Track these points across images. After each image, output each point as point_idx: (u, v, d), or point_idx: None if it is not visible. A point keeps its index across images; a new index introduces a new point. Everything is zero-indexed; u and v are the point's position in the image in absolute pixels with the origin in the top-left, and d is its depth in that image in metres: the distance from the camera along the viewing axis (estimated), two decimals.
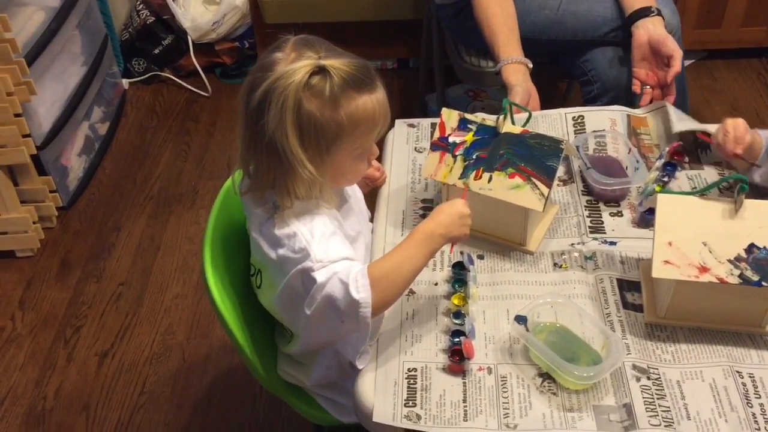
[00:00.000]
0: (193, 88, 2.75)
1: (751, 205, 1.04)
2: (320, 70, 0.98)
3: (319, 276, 0.99)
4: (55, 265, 2.09)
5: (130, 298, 2.00)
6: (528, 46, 1.60)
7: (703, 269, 1.01)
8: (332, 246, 1.03)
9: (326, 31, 2.92)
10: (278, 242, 1.03)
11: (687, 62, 2.82)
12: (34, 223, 2.09)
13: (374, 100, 1.02)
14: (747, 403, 0.97)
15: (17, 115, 1.93)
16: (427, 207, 1.29)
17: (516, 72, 1.54)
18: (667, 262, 1.02)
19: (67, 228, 2.21)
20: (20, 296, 2.01)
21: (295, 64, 0.98)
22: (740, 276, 0.99)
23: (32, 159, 2.03)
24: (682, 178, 1.32)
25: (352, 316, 0.99)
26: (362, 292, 0.97)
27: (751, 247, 1.01)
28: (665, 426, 0.94)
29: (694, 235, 1.04)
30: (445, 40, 2.07)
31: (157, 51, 2.75)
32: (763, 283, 0.99)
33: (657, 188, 1.26)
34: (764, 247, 1.01)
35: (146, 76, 2.78)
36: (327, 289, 0.98)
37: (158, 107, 2.71)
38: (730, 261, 1.01)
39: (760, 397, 0.98)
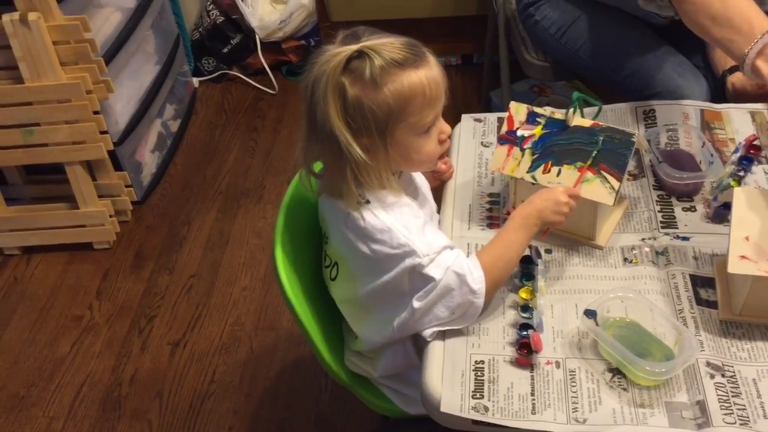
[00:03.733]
0: (260, 86, 2.81)
1: None
2: (359, 54, 0.98)
3: (434, 272, 1.02)
4: (130, 258, 2.17)
5: (201, 289, 2.05)
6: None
7: None
8: (430, 237, 1.05)
9: (390, 27, 2.94)
10: (369, 236, 1.04)
11: None
12: (110, 216, 2.18)
13: (421, 75, 1.00)
14: None
15: (96, 113, 2.01)
16: (494, 201, 1.29)
17: None
18: (743, 257, 1.00)
19: (141, 222, 2.29)
20: (97, 287, 2.09)
21: (334, 50, 0.99)
22: None
23: (109, 155, 2.11)
24: (759, 172, 1.28)
25: (465, 306, 1.03)
26: (479, 283, 1.03)
27: None
28: (740, 424, 0.92)
29: None
30: (511, 35, 2.06)
31: (226, 50, 2.82)
32: None
33: (732, 183, 1.23)
34: None
35: (215, 74, 2.85)
36: (444, 282, 1.02)
37: (227, 105, 2.78)
38: None
39: None
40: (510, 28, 2.06)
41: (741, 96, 1.53)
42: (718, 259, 1.12)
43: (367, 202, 1.05)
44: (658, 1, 1.24)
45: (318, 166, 1.12)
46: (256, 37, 2.76)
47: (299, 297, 1.16)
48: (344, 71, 0.99)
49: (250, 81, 2.83)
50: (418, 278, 1.03)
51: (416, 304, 1.04)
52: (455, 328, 1.06)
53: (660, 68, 1.57)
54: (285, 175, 2.41)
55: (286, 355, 1.85)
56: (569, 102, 1.18)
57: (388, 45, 1.00)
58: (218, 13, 2.80)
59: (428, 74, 1.02)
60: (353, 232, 1.06)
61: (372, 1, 2.62)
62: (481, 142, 1.43)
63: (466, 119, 1.48)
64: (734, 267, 1.00)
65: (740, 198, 1.04)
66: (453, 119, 1.28)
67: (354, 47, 0.99)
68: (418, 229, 1.04)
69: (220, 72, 2.85)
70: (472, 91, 2.76)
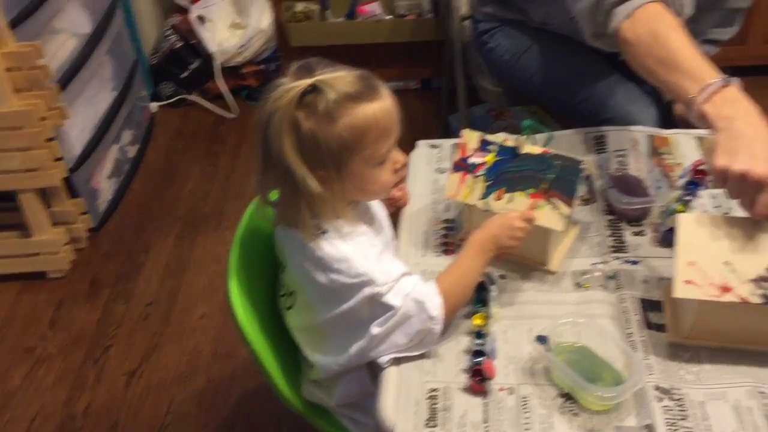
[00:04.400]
0: (219, 111, 2.81)
1: None
2: (313, 88, 0.99)
3: (394, 300, 1.03)
4: (85, 286, 2.13)
5: (158, 318, 2.03)
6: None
7: (726, 289, 1.00)
8: (388, 264, 1.06)
9: (348, 53, 2.96)
10: (327, 266, 1.05)
11: None
12: (65, 244, 2.14)
13: (375, 107, 1.02)
14: None
15: (50, 139, 1.99)
16: (449, 227, 1.30)
17: (732, 101, 1.07)
18: (688, 281, 1.02)
19: (97, 249, 2.26)
20: (51, 317, 2.05)
21: (289, 85, 1.00)
22: (763, 296, 0.99)
23: (64, 181, 2.08)
24: (705, 196, 1.32)
25: (424, 333, 1.05)
26: (437, 310, 1.04)
27: None
28: None
29: (716, 254, 1.03)
30: (468, 61, 2.09)
31: (184, 75, 2.81)
32: None
33: (679, 207, 1.26)
34: None
35: (174, 99, 2.83)
36: (403, 310, 1.03)
37: (186, 130, 2.76)
38: (753, 281, 1.00)
39: None
40: (466, 55, 2.10)
41: (688, 122, 1.57)
42: (665, 283, 1.14)
43: (324, 231, 1.06)
44: (605, 39, 1.27)
45: (274, 195, 1.12)
46: (215, 62, 2.76)
47: (254, 327, 1.16)
48: (298, 106, 0.99)
49: (210, 106, 2.82)
50: (378, 307, 1.04)
51: (375, 330, 1.04)
52: (412, 354, 1.07)
53: (612, 95, 1.61)
54: (245, 200, 2.35)
55: (245, 384, 1.83)
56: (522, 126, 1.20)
57: (341, 78, 1.01)
58: (176, 38, 2.79)
59: (382, 106, 1.03)
60: (311, 261, 1.07)
61: (330, 27, 2.64)
62: (437, 169, 1.44)
63: (422, 146, 1.50)
64: (679, 292, 1.02)
65: (684, 223, 1.06)
66: (412, 144, 1.29)
67: (307, 81, 1.00)
68: (376, 258, 1.05)
69: (178, 97, 2.84)
70: (432, 115, 2.79)
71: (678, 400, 1.00)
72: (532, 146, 1.18)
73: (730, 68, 3.04)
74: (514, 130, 2.23)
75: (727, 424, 0.97)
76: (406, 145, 1.17)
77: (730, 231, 1.05)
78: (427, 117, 2.79)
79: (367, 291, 1.03)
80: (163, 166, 2.60)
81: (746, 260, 1.02)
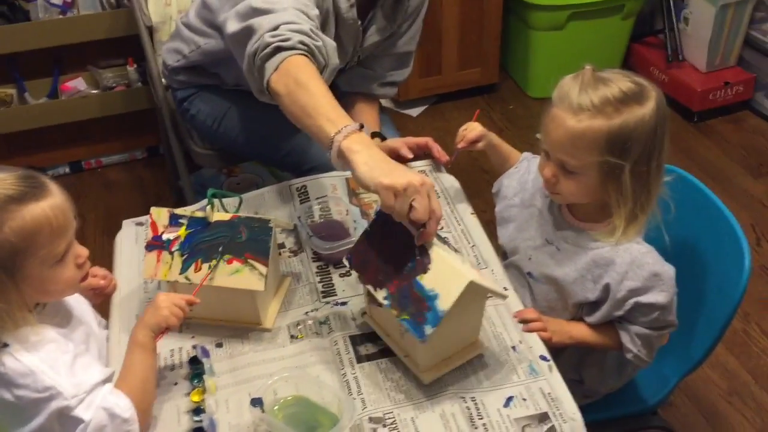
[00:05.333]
0: None
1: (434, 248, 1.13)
2: None
3: (83, 413, 0.98)
4: None
5: None
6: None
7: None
8: (80, 374, 1.01)
9: (60, 133, 2.80)
10: (11, 381, 0.98)
11: (420, 109, 3.08)
12: None
13: (44, 206, 0.99)
14: (472, 425, 1.06)
15: None
16: None
17: (363, 141, 1.16)
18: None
19: None
20: None
21: None
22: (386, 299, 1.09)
23: None
24: None
25: None
26: (128, 410, 1.01)
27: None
28: None
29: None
30: (179, 126, 2.08)
31: None
32: (392, 310, 1.08)
33: None
34: (415, 283, 1.08)
35: None
36: (95, 422, 0.98)
37: None
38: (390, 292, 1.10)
39: (482, 418, 1.07)
40: (176, 121, 2.09)
41: None
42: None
43: (5, 345, 0.99)
44: (267, 94, 1.34)
45: None
46: None
47: None
48: None
49: None
50: (68, 421, 0.98)
51: None
52: None
53: (310, 145, 1.69)
54: None
55: None
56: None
57: (1, 181, 0.97)
58: None
59: (52, 204, 1.00)
60: None
61: (32, 110, 2.50)
62: (146, 247, 1.41)
63: (127, 225, 1.46)
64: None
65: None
66: (146, 212, 1.26)
67: None
68: (67, 368, 1.00)
69: None
70: (163, 181, 2.74)
71: (391, 424, 1.07)
72: (220, 213, 1.21)
73: (434, 96, 3.34)
74: (248, 182, 2.24)
75: None
76: (142, 215, 1.12)
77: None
78: (160, 184, 2.73)
79: (54, 405, 0.97)
80: None
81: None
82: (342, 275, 1.34)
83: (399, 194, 1.06)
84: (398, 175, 1.07)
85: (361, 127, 1.17)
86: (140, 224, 1.47)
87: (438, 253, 1.09)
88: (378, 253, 1.13)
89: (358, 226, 1.38)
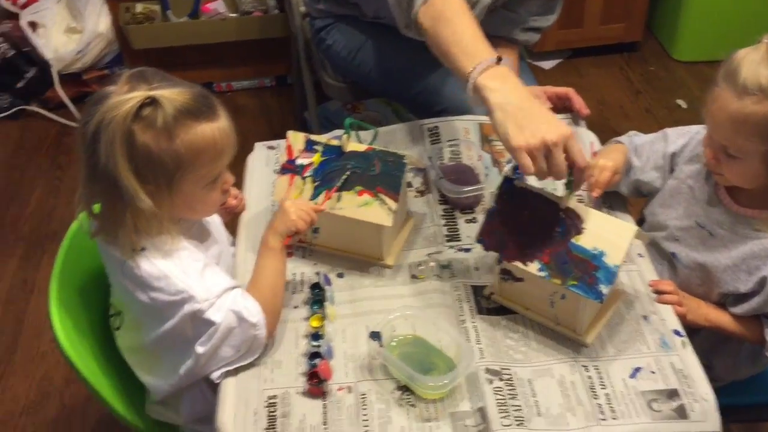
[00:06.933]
0: (63, 120, 2.66)
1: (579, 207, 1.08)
2: (151, 101, 0.96)
3: (215, 316, 1.01)
4: None
5: (2, 346, 1.90)
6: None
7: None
8: (210, 280, 1.04)
9: (197, 53, 2.88)
10: (147, 284, 1.02)
11: (553, 62, 2.95)
12: None
13: (214, 128, 1.01)
14: (593, 394, 1.02)
15: None
16: None
17: (502, 76, 1.11)
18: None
19: None
20: None
21: (124, 96, 0.96)
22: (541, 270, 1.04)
23: None
24: (531, 179, 1.36)
25: (249, 341, 1.03)
26: (257, 315, 1.04)
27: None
28: (517, 425, 0.98)
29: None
30: (313, 57, 2.07)
31: (20, 85, 2.64)
32: (553, 281, 1.03)
33: None
34: (573, 246, 1.04)
35: (12, 111, 2.66)
36: (224, 324, 1.01)
37: (26, 143, 2.60)
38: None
39: (605, 387, 1.03)
40: (311, 51, 2.08)
41: None
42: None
43: (143, 249, 1.02)
44: (413, 29, 1.30)
45: (98, 208, 1.07)
46: (52, 69, 2.61)
47: (82, 350, 1.11)
48: (135, 118, 0.96)
49: (52, 116, 2.67)
50: (200, 323, 1.01)
51: (200, 349, 1.02)
52: (243, 364, 1.05)
53: (444, 85, 1.64)
54: None
55: (101, 406, 1.75)
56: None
57: (181, 94, 0.99)
58: (8, 47, 2.62)
59: (220, 126, 1.02)
60: (131, 280, 1.03)
61: (172, 27, 2.56)
62: (275, 170, 1.42)
63: (259, 147, 1.47)
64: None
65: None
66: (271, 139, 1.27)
67: (145, 93, 0.96)
68: (197, 273, 1.03)
69: (16, 108, 2.66)
70: (288, 111, 2.76)
71: (507, 379, 1.04)
72: (356, 144, 1.19)
73: (572, 50, 3.20)
74: (371, 121, 2.24)
75: (553, 398, 1.01)
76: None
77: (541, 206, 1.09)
78: (285, 113, 2.76)
79: (187, 308, 1.00)
80: (3, 183, 2.44)
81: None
82: (468, 221, 1.30)
83: (533, 156, 1.01)
84: (531, 132, 1.02)
85: (499, 60, 1.11)
86: (271, 148, 1.48)
87: (584, 210, 1.03)
88: (514, 227, 1.08)
89: (489, 173, 1.33)
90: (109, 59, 2.70)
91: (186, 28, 2.55)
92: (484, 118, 1.53)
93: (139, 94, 0.96)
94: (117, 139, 0.95)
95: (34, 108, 2.68)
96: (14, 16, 2.62)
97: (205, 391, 1.13)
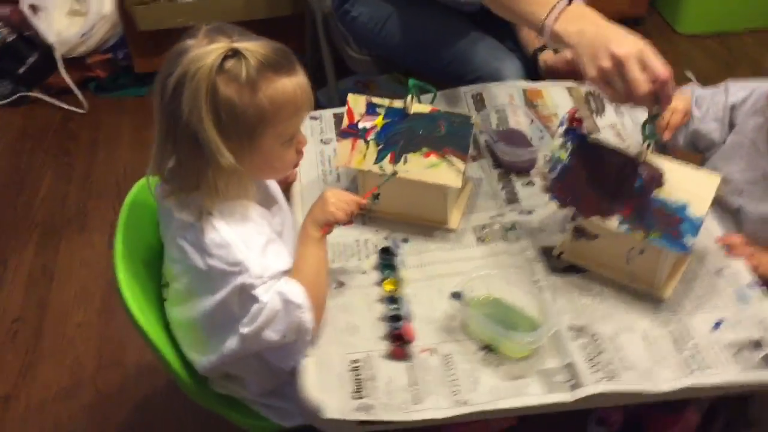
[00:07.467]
0: (67, 106, 2.59)
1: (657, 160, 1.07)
2: (234, 53, 0.94)
3: (263, 294, 0.98)
4: None
5: (28, 333, 1.85)
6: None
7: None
8: (270, 259, 1.01)
9: None
10: (207, 250, 0.98)
11: None
12: None
13: (295, 82, 0.99)
14: (678, 348, 1.01)
15: None
16: None
17: (578, 17, 1.09)
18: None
19: None
20: None
21: (206, 48, 0.93)
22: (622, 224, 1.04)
23: None
24: (607, 134, 1.36)
25: (295, 325, 0.99)
26: (301, 297, 0.99)
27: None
28: (608, 379, 0.97)
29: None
30: (331, 32, 2.05)
31: (22, 70, 2.57)
32: (634, 235, 1.02)
33: (562, 155, 1.29)
34: (654, 200, 1.03)
35: (14, 97, 2.59)
36: (270, 305, 0.98)
37: (31, 129, 2.54)
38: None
39: (693, 338, 1.02)
40: (328, 26, 2.05)
41: (552, 72, 1.63)
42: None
43: (210, 214, 0.99)
44: None
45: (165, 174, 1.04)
46: (55, 53, 2.54)
47: (150, 316, 1.08)
48: (218, 71, 0.93)
49: (55, 101, 2.60)
50: (247, 298, 0.98)
51: (244, 330, 0.99)
52: (297, 354, 1.02)
53: (476, 53, 1.63)
54: (109, 198, 2.24)
55: (137, 389, 1.72)
56: (393, 95, 1.19)
57: (262, 47, 0.96)
58: (8, 31, 2.54)
59: (300, 82, 1.00)
60: (191, 244, 1.01)
61: (178, 7, 2.50)
62: (321, 140, 1.40)
63: None
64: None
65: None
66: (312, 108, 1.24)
67: (228, 45, 0.94)
68: (259, 248, 1.00)
69: (19, 94, 2.59)
70: None
71: (592, 335, 1.03)
72: (419, 105, 1.17)
73: None
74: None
75: (639, 353, 1.01)
76: None
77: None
78: None
79: (240, 280, 0.97)
80: (9, 170, 2.38)
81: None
82: (524, 184, 1.29)
83: (610, 80, 1.00)
84: (602, 56, 1.00)
85: (570, 1, 1.10)
86: (314, 118, 1.45)
87: (663, 162, 1.03)
88: (589, 182, 1.07)
89: (544, 136, 1.32)
90: (113, 43, 2.64)
91: (192, 7, 2.49)
92: (528, 84, 1.52)
93: (221, 46, 0.93)
94: (202, 91, 0.92)
95: (37, 94, 2.62)
96: (14, 0, 2.55)
97: (272, 367, 1.11)
